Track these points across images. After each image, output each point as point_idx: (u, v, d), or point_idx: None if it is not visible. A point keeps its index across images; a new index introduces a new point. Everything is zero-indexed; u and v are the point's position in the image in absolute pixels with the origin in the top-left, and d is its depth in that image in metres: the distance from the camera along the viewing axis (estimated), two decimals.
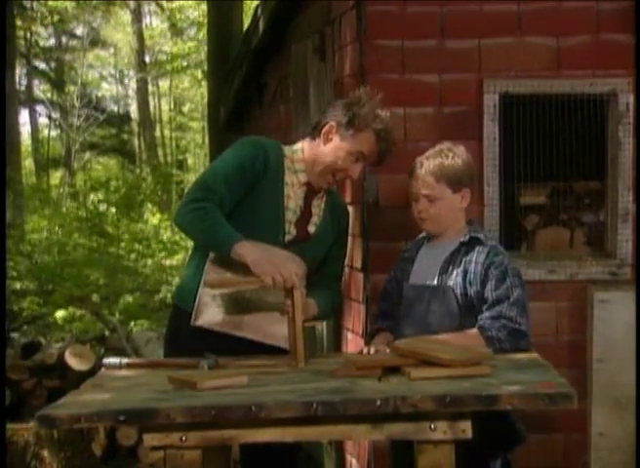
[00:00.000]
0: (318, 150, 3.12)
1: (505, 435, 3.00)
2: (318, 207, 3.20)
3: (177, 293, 3.30)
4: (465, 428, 2.38)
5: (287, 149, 3.20)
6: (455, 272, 3.01)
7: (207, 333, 3.06)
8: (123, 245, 13.36)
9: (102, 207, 16.73)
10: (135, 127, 26.34)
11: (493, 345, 2.87)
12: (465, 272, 2.99)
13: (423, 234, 3.23)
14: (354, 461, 4.15)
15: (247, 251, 2.86)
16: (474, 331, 2.93)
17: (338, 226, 3.27)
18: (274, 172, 3.10)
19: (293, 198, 3.13)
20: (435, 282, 3.04)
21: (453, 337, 2.88)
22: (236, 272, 2.99)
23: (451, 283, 3.00)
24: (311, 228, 3.16)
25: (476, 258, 3.01)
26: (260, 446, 2.54)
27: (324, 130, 3.11)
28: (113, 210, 15.61)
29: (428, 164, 3.06)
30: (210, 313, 3.08)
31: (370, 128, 3.05)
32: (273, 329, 3.08)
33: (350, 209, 4.02)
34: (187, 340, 3.07)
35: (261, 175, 3.06)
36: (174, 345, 3.17)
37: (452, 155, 3.06)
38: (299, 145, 3.22)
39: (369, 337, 3.26)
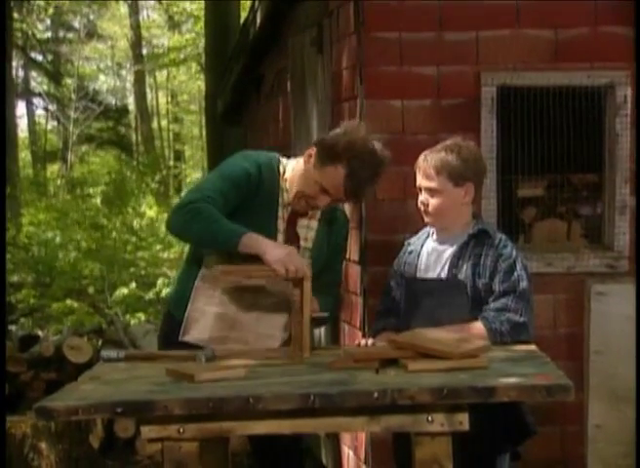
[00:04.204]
0: (297, 172, 3.06)
1: (514, 428, 2.99)
2: (305, 227, 3.14)
3: (170, 300, 3.32)
4: (462, 420, 2.38)
5: (282, 165, 3.12)
6: (465, 266, 3.01)
7: (195, 347, 3.05)
8: (114, 235, 13.34)
9: (96, 200, 16.75)
10: (132, 119, 26.30)
11: (494, 338, 2.88)
12: (475, 265, 2.99)
13: (426, 228, 3.22)
14: (351, 453, 4.15)
15: (255, 242, 2.84)
16: (477, 323, 2.93)
17: (335, 239, 3.23)
18: (268, 192, 3.04)
19: (283, 219, 3.09)
20: (445, 276, 3.04)
21: (456, 330, 2.88)
22: (224, 289, 3.04)
23: (461, 277, 3.00)
24: (303, 253, 3.08)
25: (485, 251, 3.01)
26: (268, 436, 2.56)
27: (307, 151, 3.05)
28: (104, 201, 15.63)
29: (432, 157, 3.06)
30: (197, 330, 3.11)
31: (338, 163, 2.93)
32: (259, 345, 3.08)
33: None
34: (178, 347, 3.07)
35: (253, 194, 3.00)
36: (166, 348, 3.18)
37: (457, 149, 3.05)
38: (292, 162, 3.14)
39: (371, 336, 3.25)
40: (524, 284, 2.96)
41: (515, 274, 2.96)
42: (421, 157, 3.10)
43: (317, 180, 2.97)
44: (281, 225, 3.07)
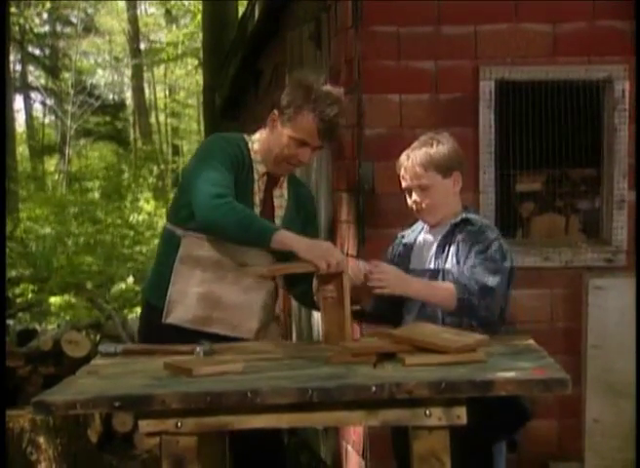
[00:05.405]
0: (267, 139, 3.11)
1: (508, 416, 2.98)
2: (280, 197, 3.19)
3: (148, 290, 3.28)
4: (460, 414, 2.38)
5: (250, 142, 3.18)
6: (449, 254, 3.02)
7: (179, 329, 3.07)
8: (112, 230, 13.35)
9: (94, 194, 16.74)
10: (130, 114, 26.26)
11: (462, 294, 2.86)
12: (457, 252, 3.00)
13: (420, 222, 3.22)
14: (349, 448, 4.16)
15: (289, 239, 2.87)
16: (448, 282, 2.93)
17: (303, 214, 3.25)
18: (245, 168, 3.09)
19: (258, 192, 3.13)
20: (432, 266, 3.04)
21: (425, 284, 2.92)
22: (204, 268, 3.05)
23: (448, 265, 3.00)
24: (277, 221, 3.15)
25: (464, 237, 3.01)
26: (250, 433, 2.55)
27: (269, 117, 3.11)
28: (102, 196, 15.64)
29: (414, 155, 3.06)
30: (180, 311, 3.09)
31: (303, 110, 2.99)
32: (242, 323, 3.11)
33: (346, 196, 4.03)
34: (160, 336, 3.06)
35: (238, 173, 3.06)
36: (147, 340, 3.16)
37: (435, 142, 3.05)
38: (257, 136, 3.19)
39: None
40: (498, 255, 2.93)
41: (493, 249, 2.95)
42: (403, 157, 3.09)
43: (291, 135, 3.02)
44: (257, 197, 3.11)
